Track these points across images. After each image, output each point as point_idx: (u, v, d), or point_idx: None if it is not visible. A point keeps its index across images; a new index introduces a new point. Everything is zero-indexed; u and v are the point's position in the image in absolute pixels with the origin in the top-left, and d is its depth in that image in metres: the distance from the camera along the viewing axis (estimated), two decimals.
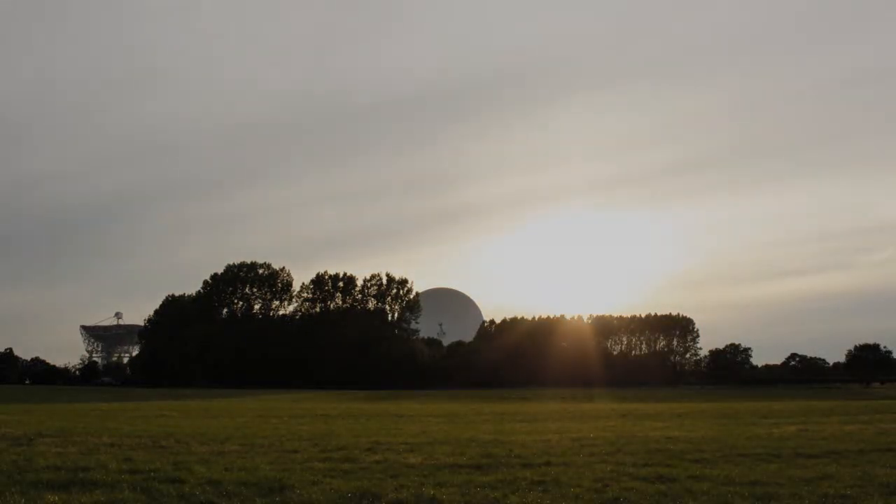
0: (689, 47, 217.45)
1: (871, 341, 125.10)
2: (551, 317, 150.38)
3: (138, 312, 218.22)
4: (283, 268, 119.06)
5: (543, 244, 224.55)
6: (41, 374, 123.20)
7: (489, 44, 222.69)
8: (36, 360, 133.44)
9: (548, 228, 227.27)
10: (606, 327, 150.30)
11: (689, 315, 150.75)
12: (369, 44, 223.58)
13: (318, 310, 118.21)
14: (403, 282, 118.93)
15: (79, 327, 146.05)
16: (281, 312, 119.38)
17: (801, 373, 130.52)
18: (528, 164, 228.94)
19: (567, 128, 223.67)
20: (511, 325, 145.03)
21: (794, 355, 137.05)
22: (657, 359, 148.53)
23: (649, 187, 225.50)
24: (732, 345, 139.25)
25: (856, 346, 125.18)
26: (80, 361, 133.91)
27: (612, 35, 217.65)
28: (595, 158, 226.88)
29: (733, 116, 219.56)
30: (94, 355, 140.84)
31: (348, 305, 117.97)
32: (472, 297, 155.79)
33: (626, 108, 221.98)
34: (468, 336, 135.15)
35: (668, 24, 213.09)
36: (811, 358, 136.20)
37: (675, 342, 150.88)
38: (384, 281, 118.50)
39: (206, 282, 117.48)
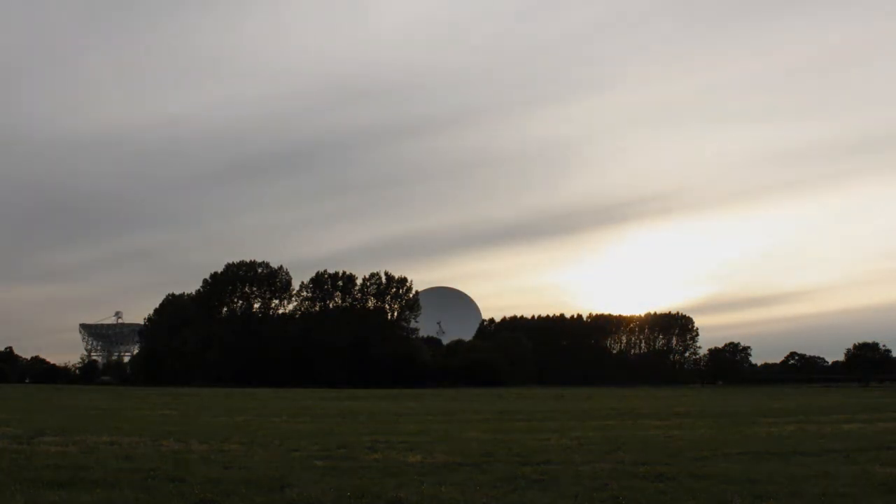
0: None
1: (870, 340, 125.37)
2: (551, 316, 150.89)
3: (138, 311, 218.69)
4: (282, 266, 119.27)
5: (542, 243, 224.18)
6: (41, 373, 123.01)
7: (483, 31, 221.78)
8: (36, 359, 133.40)
9: (546, 228, 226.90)
10: (606, 326, 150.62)
11: (688, 314, 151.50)
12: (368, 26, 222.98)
13: (317, 308, 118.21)
14: (403, 280, 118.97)
15: (79, 326, 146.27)
16: (280, 311, 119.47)
17: (801, 371, 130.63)
18: (523, 162, 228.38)
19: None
20: (510, 324, 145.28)
21: (793, 354, 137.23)
22: (656, 357, 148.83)
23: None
24: (731, 343, 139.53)
25: (855, 345, 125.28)
26: (79, 360, 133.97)
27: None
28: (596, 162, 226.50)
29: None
30: (93, 354, 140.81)
31: (347, 304, 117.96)
32: (471, 297, 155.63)
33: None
34: (467, 335, 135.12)
35: None
36: (810, 357, 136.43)
37: (674, 341, 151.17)
38: (383, 280, 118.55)
39: (205, 281, 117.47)
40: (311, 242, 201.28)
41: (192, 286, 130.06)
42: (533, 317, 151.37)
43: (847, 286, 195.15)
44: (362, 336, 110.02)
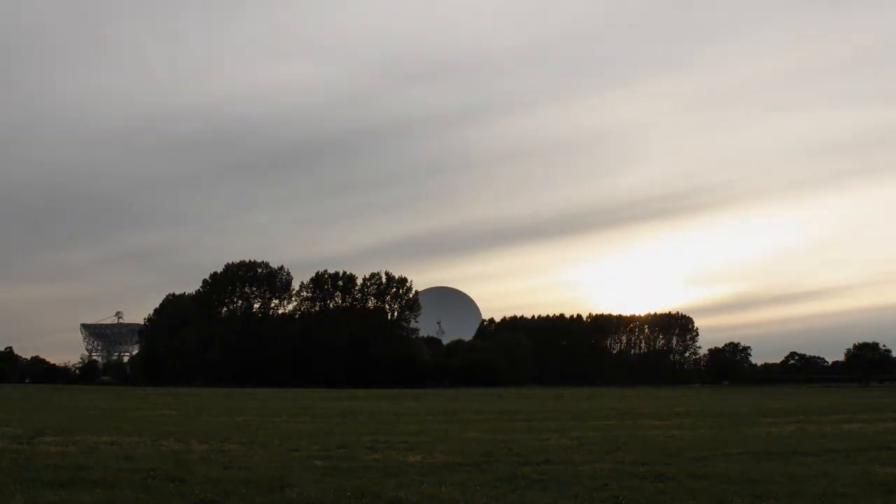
0: None
1: (870, 340, 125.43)
2: (551, 316, 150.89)
3: (138, 311, 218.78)
4: (283, 266, 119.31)
5: (543, 244, 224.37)
6: (41, 373, 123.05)
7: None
8: (36, 359, 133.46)
9: (547, 229, 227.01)
10: (606, 326, 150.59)
11: (688, 314, 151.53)
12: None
13: (317, 308, 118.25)
14: (403, 280, 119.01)
15: (79, 326, 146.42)
16: (280, 311, 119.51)
17: (801, 371, 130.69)
18: (524, 163, 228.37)
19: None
20: (510, 324, 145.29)
21: (793, 354, 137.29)
22: (656, 357, 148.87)
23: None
24: (732, 343, 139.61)
25: (855, 345, 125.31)
26: (80, 360, 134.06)
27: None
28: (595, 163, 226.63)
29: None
30: (94, 354, 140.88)
31: (347, 304, 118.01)
32: (471, 296, 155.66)
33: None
34: (467, 335, 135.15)
35: None
36: (810, 357, 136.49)
37: (674, 341, 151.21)
38: (383, 280, 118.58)
39: (205, 281, 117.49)
40: (311, 242, 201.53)
41: (192, 286, 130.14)
42: (533, 317, 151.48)
43: (854, 287, 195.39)
44: (362, 336, 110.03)
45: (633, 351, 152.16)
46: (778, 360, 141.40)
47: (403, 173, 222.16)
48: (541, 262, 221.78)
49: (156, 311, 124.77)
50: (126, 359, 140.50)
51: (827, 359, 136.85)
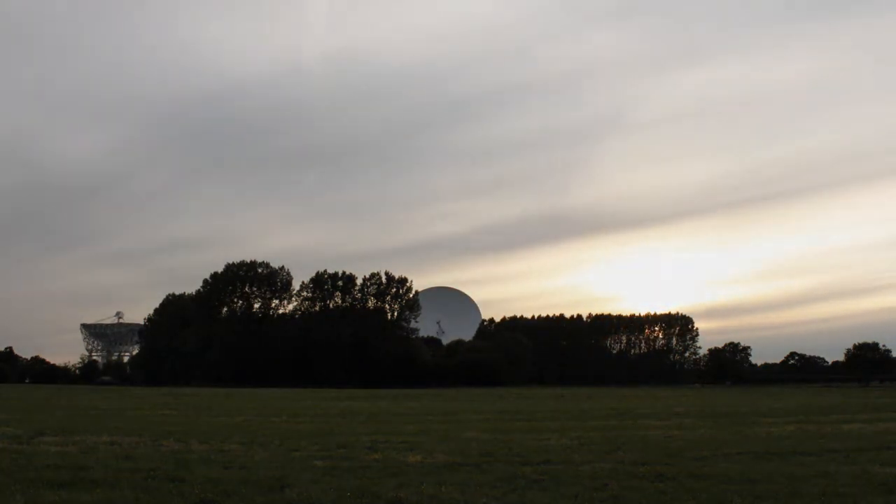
0: None
1: (870, 340, 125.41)
2: (551, 316, 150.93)
3: (138, 311, 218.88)
4: (283, 266, 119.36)
5: (544, 246, 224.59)
6: (41, 373, 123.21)
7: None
8: (36, 359, 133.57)
9: (550, 230, 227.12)
10: (606, 326, 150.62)
11: (688, 314, 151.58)
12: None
13: (317, 309, 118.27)
14: (403, 280, 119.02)
15: (79, 326, 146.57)
16: (280, 311, 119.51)
17: (801, 372, 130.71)
18: (527, 163, 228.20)
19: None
20: (510, 324, 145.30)
21: (793, 354, 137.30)
22: (656, 357, 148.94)
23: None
24: (731, 343, 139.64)
25: (855, 345, 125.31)
26: (80, 360, 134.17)
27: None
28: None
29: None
30: (94, 354, 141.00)
31: (348, 304, 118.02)
32: (471, 296, 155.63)
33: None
34: (467, 335, 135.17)
35: None
36: (810, 357, 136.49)
37: (674, 341, 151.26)
38: (384, 280, 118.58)
39: (205, 281, 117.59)
40: (311, 242, 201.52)
41: (192, 286, 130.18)
42: (533, 317, 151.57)
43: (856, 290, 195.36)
44: (362, 336, 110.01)
45: (633, 351, 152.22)
46: (778, 360, 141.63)
47: (399, 174, 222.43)
48: (543, 264, 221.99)
49: (156, 311, 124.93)
50: (126, 359, 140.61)
51: (827, 359, 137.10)
